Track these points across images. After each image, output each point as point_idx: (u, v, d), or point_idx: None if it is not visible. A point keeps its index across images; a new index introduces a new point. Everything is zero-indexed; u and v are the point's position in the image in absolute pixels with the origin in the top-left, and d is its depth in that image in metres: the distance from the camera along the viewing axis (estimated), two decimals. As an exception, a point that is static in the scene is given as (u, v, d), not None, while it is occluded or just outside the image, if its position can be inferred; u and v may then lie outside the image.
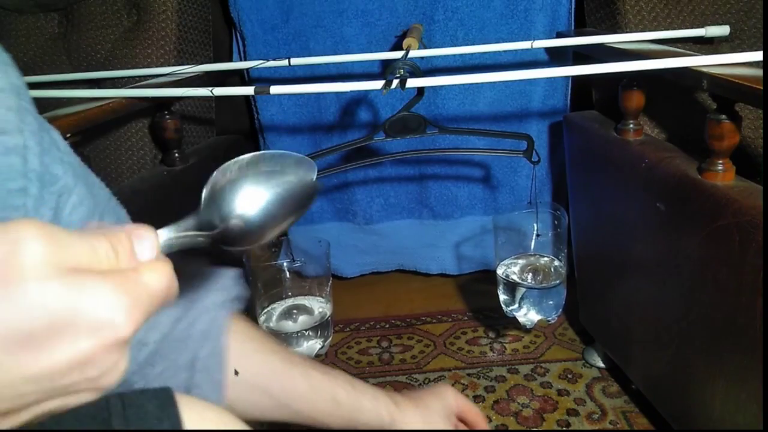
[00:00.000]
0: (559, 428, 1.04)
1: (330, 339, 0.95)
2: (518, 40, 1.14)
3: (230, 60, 1.34)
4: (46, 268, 0.26)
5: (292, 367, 0.60)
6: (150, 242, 0.31)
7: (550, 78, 1.25)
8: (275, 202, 0.35)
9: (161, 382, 0.49)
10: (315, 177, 0.38)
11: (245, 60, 1.31)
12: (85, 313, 0.26)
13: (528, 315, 0.98)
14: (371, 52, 1.24)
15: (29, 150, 0.37)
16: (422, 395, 0.69)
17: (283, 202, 0.36)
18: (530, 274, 0.98)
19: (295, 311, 0.94)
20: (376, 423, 0.63)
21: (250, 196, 0.35)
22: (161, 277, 0.30)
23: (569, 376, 1.17)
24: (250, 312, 1.23)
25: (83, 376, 0.27)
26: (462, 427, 0.71)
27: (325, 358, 1.28)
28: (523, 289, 0.97)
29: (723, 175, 0.75)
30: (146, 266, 0.30)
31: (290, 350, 0.65)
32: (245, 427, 0.31)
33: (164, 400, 0.28)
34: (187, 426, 0.28)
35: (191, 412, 0.29)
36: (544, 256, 0.99)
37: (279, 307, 0.95)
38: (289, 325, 0.93)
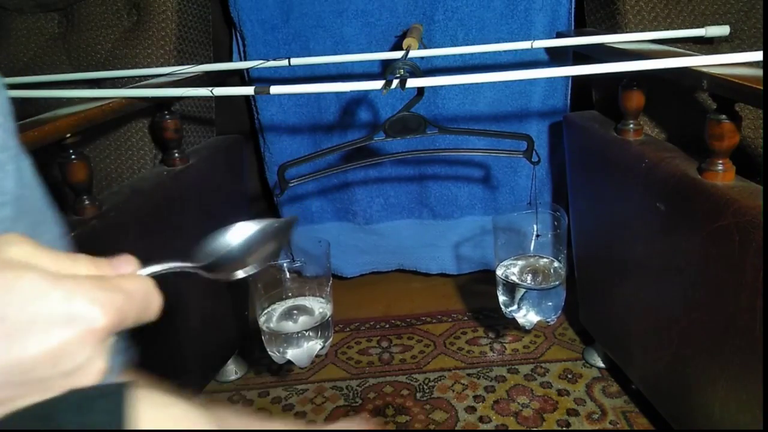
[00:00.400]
0: (559, 428, 1.04)
1: (330, 339, 0.95)
2: (518, 40, 1.14)
3: (230, 60, 1.34)
4: (24, 263, 0.27)
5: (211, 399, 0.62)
6: (129, 263, 0.32)
7: (550, 78, 1.25)
8: (255, 232, 0.38)
9: None
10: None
11: (245, 60, 1.31)
12: (58, 303, 0.27)
13: (527, 316, 0.98)
14: (371, 52, 1.24)
15: (8, 170, 0.37)
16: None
17: (263, 231, 0.39)
18: (530, 275, 0.98)
19: (295, 312, 0.94)
20: None
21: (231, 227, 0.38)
22: (139, 282, 0.30)
23: (569, 376, 1.17)
24: (249, 313, 1.23)
25: (57, 369, 0.27)
26: None
27: (325, 358, 1.28)
28: (523, 291, 0.97)
29: (723, 175, 0.75)
30: (124, 275, 0.31)
31: None
32: (214, 422, 0.31)
33: (118, 396, 0.28)
34: (142, 423, 0.27)
35: (153, 408, 0.28)
36: (543, 257, 0.99)
37: (279, 307, 0.95)
38: (289, 326, 0.92)
